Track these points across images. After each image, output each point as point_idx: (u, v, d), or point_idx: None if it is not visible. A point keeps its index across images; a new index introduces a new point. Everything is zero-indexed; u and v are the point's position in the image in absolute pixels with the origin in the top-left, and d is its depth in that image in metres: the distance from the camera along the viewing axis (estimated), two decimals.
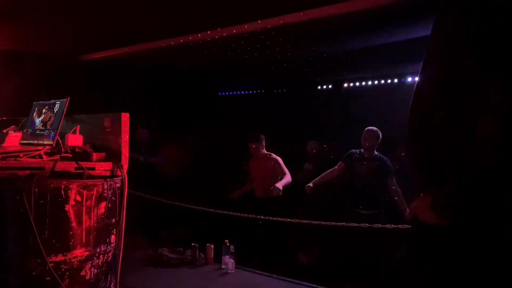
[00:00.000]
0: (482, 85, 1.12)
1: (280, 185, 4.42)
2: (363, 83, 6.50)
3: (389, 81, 6.21)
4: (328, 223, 3.88)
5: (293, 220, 4.06)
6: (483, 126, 1.09)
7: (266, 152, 4.88)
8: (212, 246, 4.30)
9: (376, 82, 6.36)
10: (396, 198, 4.25)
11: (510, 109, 1.05)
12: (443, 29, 1.25)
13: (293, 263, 4.79)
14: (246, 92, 8.00)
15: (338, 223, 3.83)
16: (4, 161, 1.86)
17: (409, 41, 4.21)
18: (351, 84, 6.60)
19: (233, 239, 4.17)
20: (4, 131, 2.52)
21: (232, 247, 4.04)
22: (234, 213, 4.34)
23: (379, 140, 4.37)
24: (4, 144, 2.34)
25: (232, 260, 4.01)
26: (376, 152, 4.41)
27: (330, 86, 6.88)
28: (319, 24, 3.81)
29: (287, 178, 4.60)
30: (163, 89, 7.34)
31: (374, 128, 4.39)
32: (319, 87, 6.98)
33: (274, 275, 3.96)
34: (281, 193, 4.39)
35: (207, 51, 4.89)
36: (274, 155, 4.83)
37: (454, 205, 1.15)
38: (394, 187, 4.27)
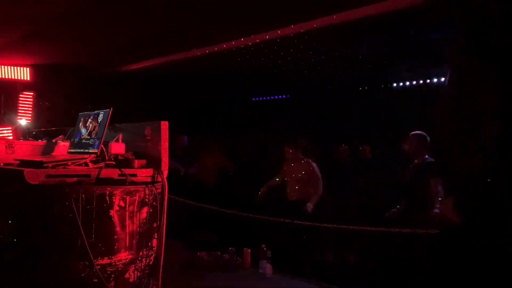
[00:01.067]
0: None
1: (312, 203, 4.45)
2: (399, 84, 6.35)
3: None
4: (367, 228, 3.80)
5: (330, 225, 4.03)
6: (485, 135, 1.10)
7: (302, 156, 4.88)
8: (249, 250, 4.34)
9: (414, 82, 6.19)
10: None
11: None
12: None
13: (330, 268, 4.75)
14: (280, 96, 8.02)
15: (378, 228, 3.75)
16: (54, 169, 1.98)
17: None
18: (399, 84, 6.43)
19: (269, 243, 4.19)
20: (53, 140, 2.68)
21: (269, 251, 4.05)
22: (270, 218, 4.36)
23: (425, 143, 4.20)
24: (54, 153, 2.49)
25: (269, 265, 4.03)
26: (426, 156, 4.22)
27: (366, 88, 6.77)
28: (352, 26, 3.78)
29: (318, 190, 4.60)
30: (199, 96, 7.50)
31: (419, 132, 4.24)
32: (360, 89, 6.86)
33: (312, 281, 3.94)
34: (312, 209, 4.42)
35: (241, 58, 4.96)
36: (309, 160, 4.82)
37: (464, 205, 1.17)
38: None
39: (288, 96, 7.89)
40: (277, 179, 5.13)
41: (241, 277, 4.03)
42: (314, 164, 4.76)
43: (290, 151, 4.86)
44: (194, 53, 4.84)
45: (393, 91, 6.41)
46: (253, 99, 8.40)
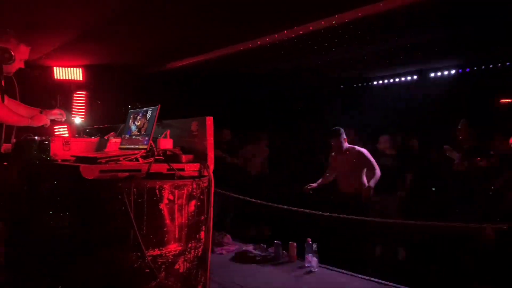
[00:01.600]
0: None
1: (372, 183, 4.34)
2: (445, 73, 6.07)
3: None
4: (421, 222, 3.66)
5: (386, 220, 3.92)
6: None
7: (349, 145, 4.77)
8: (295, 244, 4.33)
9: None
10: None
11: None
12: None
13: (378, 263, 4.65)
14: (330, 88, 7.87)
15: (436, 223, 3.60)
16: (107, 165, 2.08)
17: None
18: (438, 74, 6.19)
19: (315, 237, 4.16)
20: (106, 137, 2.80)
21: (315, 245, 4.03)
22: (316, 212, 4.32)
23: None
24: (106, 149, 2.61)
25: (315, 259, 4.00)
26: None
27: (415, 77, 6.53)
28: (400, 13, 3.64)
29: (377, 173, 4.46)
30: (243, 90, 7.56)
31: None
32: (402, 79, 6.66)
33: (359, 275, 3.87)
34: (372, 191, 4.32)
35: (285, 51, 4.93)
36: (358, 148, 4.70)
37: None
38: None
39: (338, 87, 7.71)
40: (328, 174, 5.05)
41: (287, 270, 4.04)
42: (364, 151, 4.64)
43: (332, 143, 4.77)
44: (238, 48, 4.87)
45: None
46: (300, 91, 8.30)
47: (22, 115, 2.82)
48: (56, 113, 2.91)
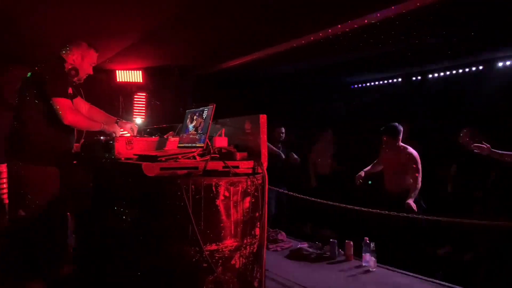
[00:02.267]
0: None
1: (411, 201, 4.19)
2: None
3: None
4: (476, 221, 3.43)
5: (441, 219, 3.73)
6: None
7: (401, 144, 4.59)
8: (352, 243, 4.25)
9: None
10: None
11: None
12: None
13: (439, 264, 4.43)
14: (380, 82, 7.64)
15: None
16: (167, 163, 2.17)
17: None
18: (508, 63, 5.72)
19: (372, 236, 4.05)
20: (165, 136, 2.93)
21: (372, 244, 3.92)
22: (373, 211, 4.20)
23: None
24: (166, 148, 2.73)
25: (373, 258, 3.90)
26: None
27: (478, 68, 6.11)
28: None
29: (417, 185, 4.29)
30: (295, 87, 7.52)
31: None
32: (460, 70, 6.26)
33: (419, 276, 3.71)
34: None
35: (338, 45, 4.82)
36: (410, 149, 4.51)
37: None
38: None
39: (389, 81, 7.45)
40: (376, 164, 4.92)
41: (344, 270, 3.97)
42: (415, 154, 4.44)
43: (385, 139, 4.61)
44: (290, 45, 4.85)
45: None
46: (352, 86, 8.13)
47: (96, 121, 3.03)
48: (128, 128, 3.11)
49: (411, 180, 4.42)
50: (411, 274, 3.77)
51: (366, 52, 5.30)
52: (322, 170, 6.36)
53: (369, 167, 4.95)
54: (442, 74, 6.54)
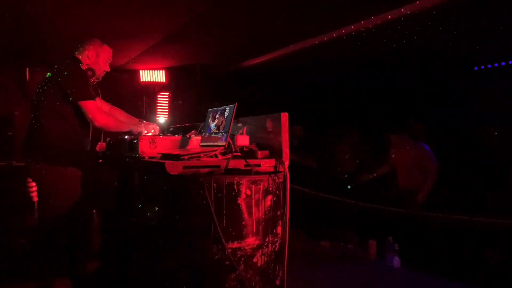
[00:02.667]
0: None
1: (422, 195, 4.11)
2: None
3: None
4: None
5: (466, 218, 3.65)
6: None
7: (411, 140, 4.53)
8: (375, 242, 4.20)
9: None
10: None
11: None
12: None
13: (467, 266, 4.31)
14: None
15: None
16: (189, 161, 2.20)
17: None
18: None
19: (396, 236, 3.99)
20: (187, 135, 2.96)
21: (396, 244, 3.87)
22: (397, 210, 4.15)
23: None
24: (188, 147, 2.76)
25: (397, 258, 3.85)
26: None
27: None
28: None
29: (429, 182, 4.21)
30: (317, 86, 7.46)
31: None
32: None
33: (443, 277, 3.64)
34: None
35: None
36: (422, 145, 4.45)
37: None
38: None
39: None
40: (385, 167, 4.87)
41: (367, 269, 3.93)
42: (428, 149, 4.37)
43: (395, 136, 4.57)
44: (312, 42, 4.80)
45: None
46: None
47: (124, 122, 3.09)
48: (150, 129, 3.13)
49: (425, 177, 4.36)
50: (436, 275, 3.69)
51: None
52: (345, 170, 6.27)
53: (379, 169, 4.91)
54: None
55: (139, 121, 3.24)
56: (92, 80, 3.06)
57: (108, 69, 3.19)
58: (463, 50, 5.22)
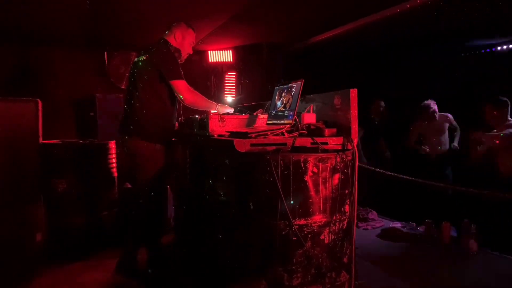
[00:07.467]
0: None
1: None
2: None
3: None
4: None
5: None
6: None
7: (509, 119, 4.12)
8: (449, 224, 3.99)
9: None
10: None
11: None
12: None
13: None
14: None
15: None
16: (256, 139, 2.24)
17: None
18: None
19: (473, 217, 3.75)
20: (254, 114, 3.01)
21: (473, 226, 3.64)
22: (475, 190, 3.86)
23: None
24: (255, 125, 2.80)
25: (474, 242, 3.63)
26: None
27: None
28: None
29: None
30: (389, 59, 7.09)
31: None
32: None
33: None
34: None
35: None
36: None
37: None
38: None
39: None
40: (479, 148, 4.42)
41: (440, 252, 3.76)
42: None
43: (495, 112, 4.06)
44: (384, 14, 4.55)
45: None
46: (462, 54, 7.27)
47: (212, 102, 3.22)
48: (225, 110, 3.24)
49: None
50: None
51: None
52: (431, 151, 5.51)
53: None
54: None
55: (216, 105, 3.31)
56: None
57: (191, 52, 3.38)
58: None
